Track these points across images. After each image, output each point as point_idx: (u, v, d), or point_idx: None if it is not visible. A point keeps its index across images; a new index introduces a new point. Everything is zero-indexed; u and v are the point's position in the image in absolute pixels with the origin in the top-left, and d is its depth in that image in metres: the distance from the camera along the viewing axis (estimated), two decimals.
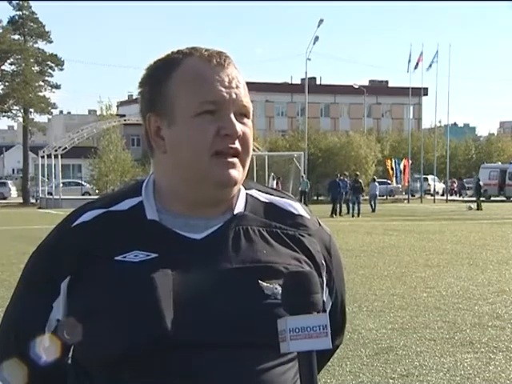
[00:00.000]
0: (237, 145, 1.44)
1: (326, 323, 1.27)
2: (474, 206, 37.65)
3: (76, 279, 1.43)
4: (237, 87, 1.45)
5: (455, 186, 61.22)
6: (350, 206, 32.81)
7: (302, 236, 1.52)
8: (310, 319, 1.26)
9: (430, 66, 52.14)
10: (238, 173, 1.45)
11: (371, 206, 35.05)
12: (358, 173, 38.01)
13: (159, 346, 1.35)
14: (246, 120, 1.46)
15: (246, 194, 1.54)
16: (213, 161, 1.42)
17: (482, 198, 40.15)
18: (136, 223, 1.46)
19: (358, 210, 32.01)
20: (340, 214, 31.90)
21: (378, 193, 37.72)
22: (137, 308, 1.37)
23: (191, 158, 1.43)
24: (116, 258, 1.42)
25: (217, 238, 1.45)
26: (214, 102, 1.42)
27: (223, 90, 1.43)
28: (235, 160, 1.44)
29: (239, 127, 1.43)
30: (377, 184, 37.57)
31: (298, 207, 1.57)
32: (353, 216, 31.38)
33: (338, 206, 32.56)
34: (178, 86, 1.44)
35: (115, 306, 1.38)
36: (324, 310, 1.42)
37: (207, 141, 1.42)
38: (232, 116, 1.43)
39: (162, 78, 1.46)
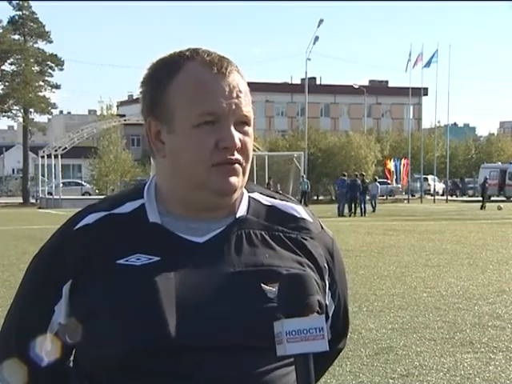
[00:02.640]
0: (236, 155, 1.42)
1: (323, 325, 1.26)
2: (502, 205, 37.60)
3: (78, 282, 1.43)
4: (237, 97, 1.42)
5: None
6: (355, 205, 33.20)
7: (305, 239, 1.51)
8: (306, 321, 1.26)
9: (428, 64, 52.05)
10: (237, 181, 1.44)
11: (372, 205, 35.25)
12: (364, 173, 38.30)
13: (161, 350, 1.35)
14: (246, 128, 1.45)
15: (249, 197, 1.53)
16: (211, 171, 1.41)
17: (492, 198, 40.06)
18: (138, 226, 1.45)
19: (365, 209, 32.61)
20: (355, 214, 32.24)
21: (378, 193, 37.95)
22: (139, 311, 1.36)
23: (189, 168, 1.42)
24: (118, 261, 1.41)
25: (219, 242, 1.45)
26: (213, 113, 1.40)
27: (223, 100, 1.41)
28: (234, 168, 1.43)
29: (238, 138, 1.42)
30: (378, 184, 37.76)
31: (300, 210, 1.56)
32: (362, 215, 31.83)
33: (353, 205, 32.97)
34: (178, 94, 1.42)
35: (117, 309, 1.37)
36: (320, 312, 1.42)
37: (206, 153, 1.41)
38: (231, 128, 1.41)
39: (162, 82, 1.44)
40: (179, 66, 1.44)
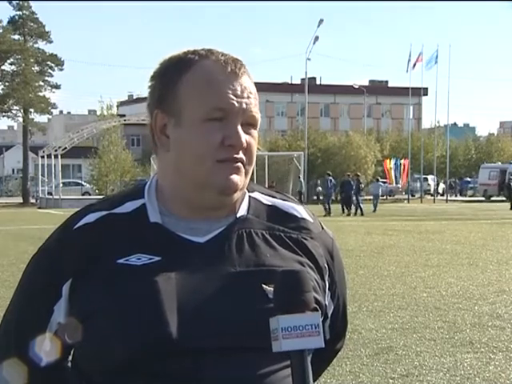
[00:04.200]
0: (240, 155, 1.43)
1: (318, 322, 1.26)
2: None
3: (78, 282, 1.42)
4: (248, 97, 1.43)
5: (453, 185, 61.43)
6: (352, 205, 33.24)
7: (305, 239, 1.51)
8: (302, 318, 1.25)
9: (427, 64, 52.02)
10: (239, 180, 1.44)
11: (374, 205, 35.29)
12: (359, 173, 38.40)
13: (161, 351, 1.34)
14: (252, 130, 1.46)
15: (249, 196, 1.53)
16: (215, 167, 1.41)
17: (492, 198, 39.77)
18: (139, 226, 1.45)
19: (361, 209, 32.63)
20: (349, 214, 32.28)
21: (380, 193, 38.01)
22: (139, 312, 1.36)
23: (193, 163, 1.42)
24: (118, 260, 1.41)
25: (220, 242, 1.45)
26: (223, 109, 1.41)
27: (234, 98, 1.42)
28: (238, 166, 1.43)
29: (244, 138, 1.43)
30: (381, 184, 37.82)
31: (300, 210, 1.56)
32: (356, 215, 31.93)
33: (346, 205, 33.04)
34: (190, 88, 1.43)
35: (117, 309, 1.37)
36: (317, 310, 1.42)
37: (211, 149, 1.41)
38: (239, 126, 1.42)
39: (174, 77, 1.45)
40: (193, 62, 1.45)
